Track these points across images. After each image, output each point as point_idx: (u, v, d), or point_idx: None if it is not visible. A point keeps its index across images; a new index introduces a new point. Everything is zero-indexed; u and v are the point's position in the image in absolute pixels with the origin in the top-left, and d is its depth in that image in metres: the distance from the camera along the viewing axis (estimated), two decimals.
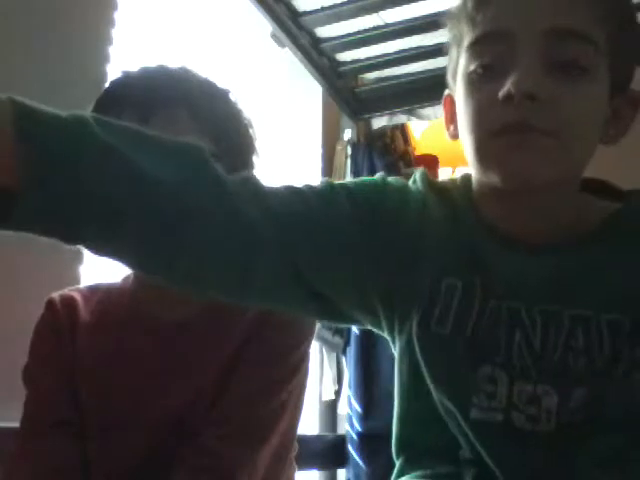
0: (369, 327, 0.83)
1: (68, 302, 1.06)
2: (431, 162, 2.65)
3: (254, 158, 1.06)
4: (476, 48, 0.73)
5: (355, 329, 2.40)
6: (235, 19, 2.28)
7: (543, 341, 0.73)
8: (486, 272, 0.76)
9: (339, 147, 2.63)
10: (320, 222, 0.74)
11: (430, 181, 0.82)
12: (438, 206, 0.80)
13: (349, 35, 2.27)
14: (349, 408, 2.38)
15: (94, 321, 1.05)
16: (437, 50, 2.16)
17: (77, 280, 1.48)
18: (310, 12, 2.18)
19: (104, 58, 1.61)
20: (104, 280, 1.13)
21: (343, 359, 2.47)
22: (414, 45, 2.28)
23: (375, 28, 2.22)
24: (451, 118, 0.81)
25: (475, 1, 0.74)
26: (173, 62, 1.03)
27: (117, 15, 1.66)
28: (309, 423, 2.41)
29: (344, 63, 2.44)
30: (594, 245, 0.75)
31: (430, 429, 0.79)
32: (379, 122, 2.65)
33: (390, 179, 0.82)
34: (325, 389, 2.49)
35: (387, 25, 2.21)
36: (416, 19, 2.15)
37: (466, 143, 0.75)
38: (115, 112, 0.93)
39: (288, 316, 1.01)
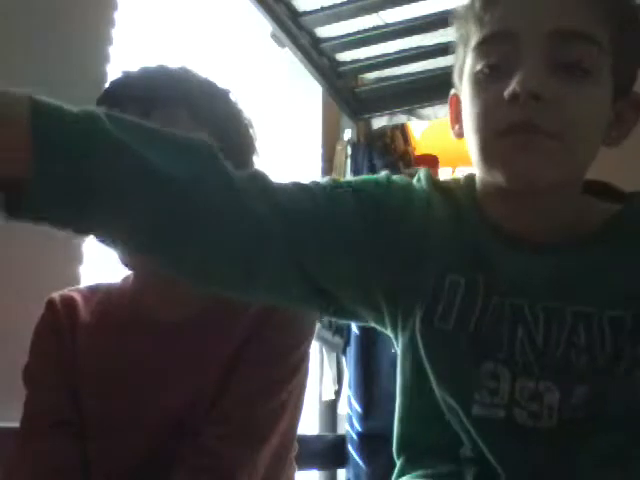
0: (372, 324, 0.83)
1: (68, 302, 1.06)
2: (431, 162, 2.65)
3: (254, 158, 1.06)
4: (483, 48, 0.74)
5: (355, 329, 2.40)
6: (235, 19, 2.28)
7: (545, 337, 0.73)
8: (490, 271, 0.76)
9: (339, 147, 2.63)
10: (327, 220, 0.75)
11: (434, 180, 0.83)
12: (442, 206, 0.80)
13: (349, 35, 2.27)
14: (349, 408, 2.38)
15: (94, 321, 1.05)
16: (437, 50, 2.18)
17: (77, 280, 1.48)
18: (310, 12, 2.18)
19: (104, 58, 1.61)
20: (104, 280, 1.13)
21: (343, 359, 2.47)
22: (414, 45, 2.28)
23: (375, 28, 2.23)
24: (456, 117, 0.81)
25: (483, 1, 0.74)
26: (173, 62, 1.03)
27: (117, 15, 1.66)
28: (309, 423, 2.41)
29: (344, 63, 2.45)
30: (596, 246, 0.75)
31: (432, 427, 0.80)
32: (379, 122, 2.65)
33: (395, 177, 0.82)
34: (325, 389, 2.49)
35: (387, 25, 2.21)
36: (416, 19, 2.15)
37: (471, 142, 0.75)
38: (115, 112, 0.92)
39: (288, 316, 1.01)
